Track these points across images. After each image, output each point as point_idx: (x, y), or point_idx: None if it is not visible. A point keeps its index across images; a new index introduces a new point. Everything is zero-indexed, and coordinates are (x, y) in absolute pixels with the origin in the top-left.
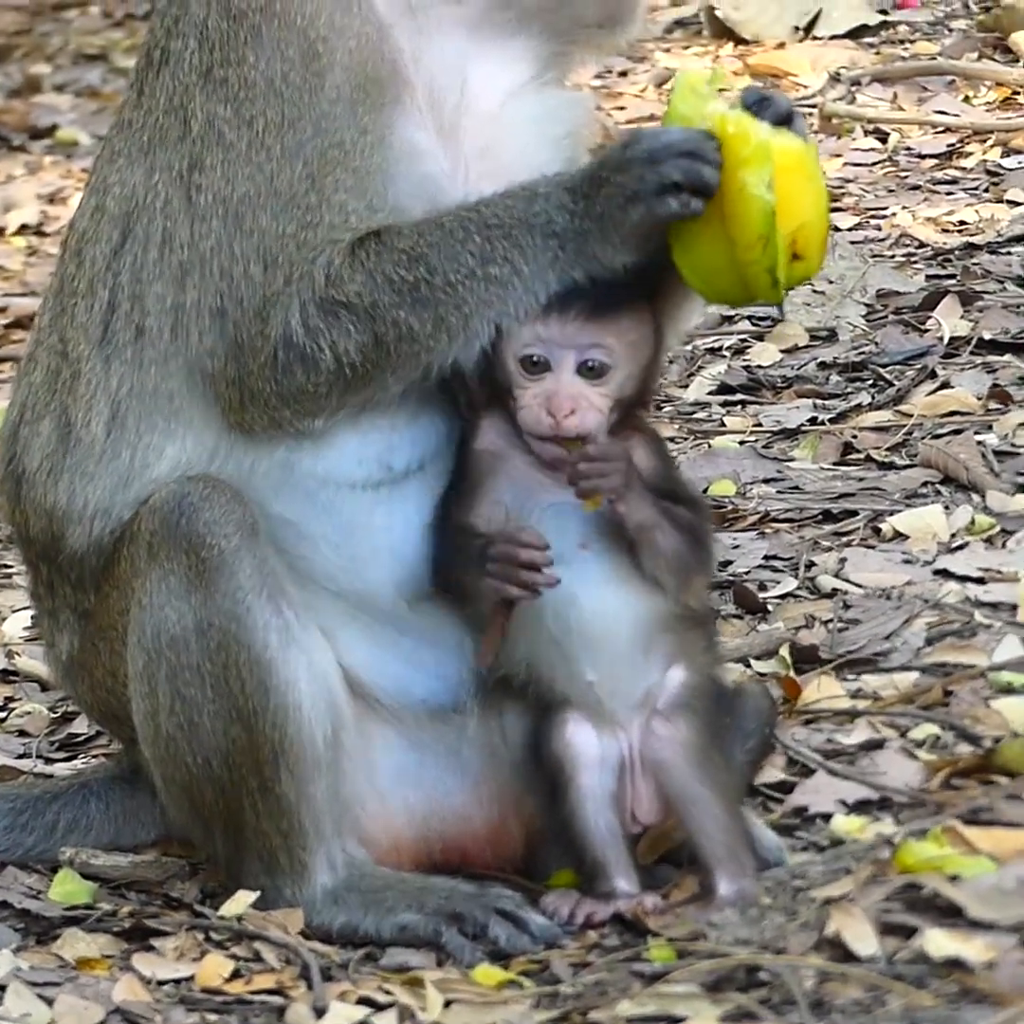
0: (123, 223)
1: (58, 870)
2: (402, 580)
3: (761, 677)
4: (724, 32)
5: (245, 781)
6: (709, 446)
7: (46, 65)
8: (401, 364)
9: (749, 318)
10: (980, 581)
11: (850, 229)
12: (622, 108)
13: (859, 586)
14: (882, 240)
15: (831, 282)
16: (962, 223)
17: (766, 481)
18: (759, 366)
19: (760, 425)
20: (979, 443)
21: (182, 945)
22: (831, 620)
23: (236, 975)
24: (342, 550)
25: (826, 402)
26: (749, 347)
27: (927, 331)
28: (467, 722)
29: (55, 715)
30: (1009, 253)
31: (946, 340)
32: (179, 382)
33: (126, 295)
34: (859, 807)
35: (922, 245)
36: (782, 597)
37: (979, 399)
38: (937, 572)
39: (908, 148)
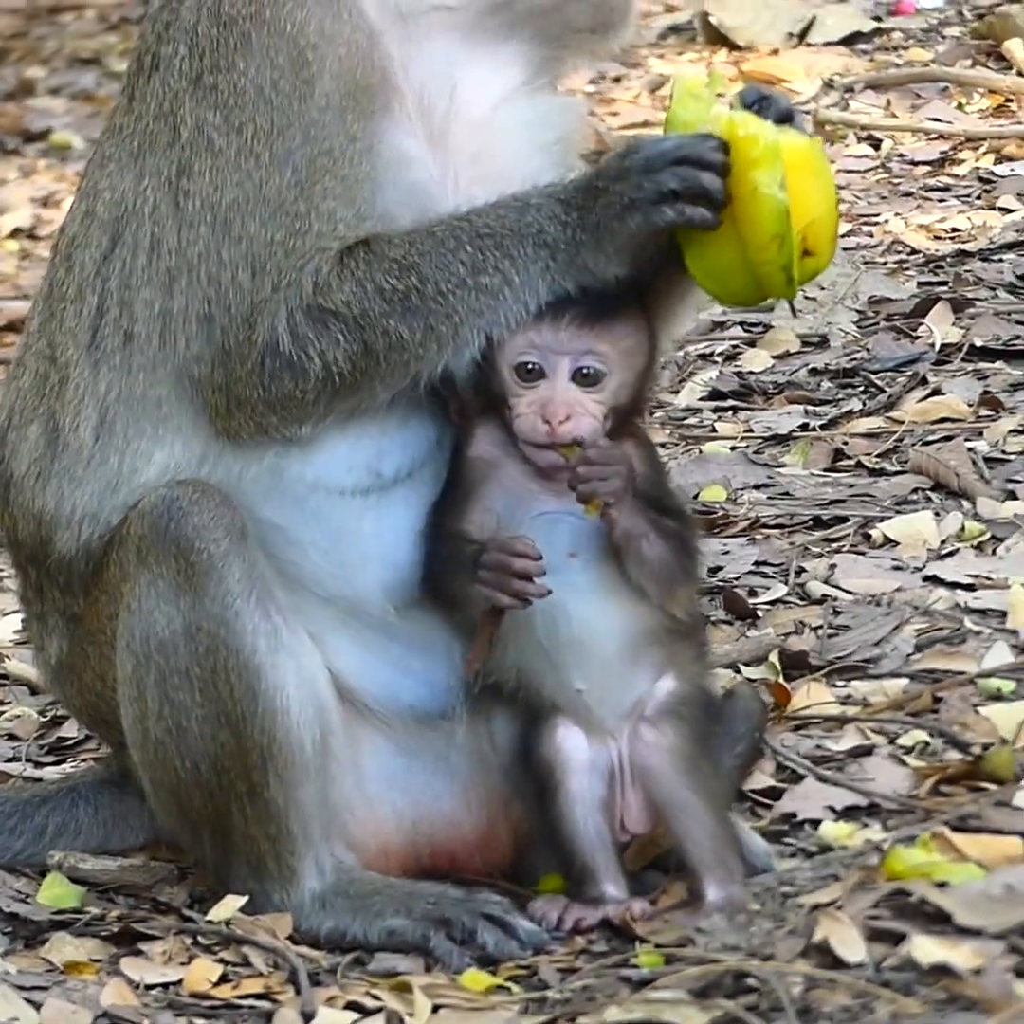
0: (113, 228)
1: (46, 874)
2: (391, 586)
3: (750, 683)
4: (718, 38)
5: (233, 785)
6: (700, 452)
7: (40, 68)
8: (390, 372)
9: (741, 324)
10: (970, 588)
11: (842, 235)
12: (616, 114)
13: (849, 592)
14: (874, 246)
15: (823, 288)
16: (954, 230)
17: (757, 487)
18: (750, 372)
19: (751, 431)
20: (970, 450)
21: (170, 949)
22: (821, 626)
23: (224, 980)
24: (331, 556)
25: (817, 408)
26: (741, 353)
27: (918, 338)
28: (456, 728)
29: (44, 719)
30: (1001, 260)
31: (937, 347)
32: (167, 388)
33: (115, 301)
34: (848, 813)
35: (914, 252)
36: (772, 603)
37: (970, 406)
38: (927, 579)
39: (901, 155)
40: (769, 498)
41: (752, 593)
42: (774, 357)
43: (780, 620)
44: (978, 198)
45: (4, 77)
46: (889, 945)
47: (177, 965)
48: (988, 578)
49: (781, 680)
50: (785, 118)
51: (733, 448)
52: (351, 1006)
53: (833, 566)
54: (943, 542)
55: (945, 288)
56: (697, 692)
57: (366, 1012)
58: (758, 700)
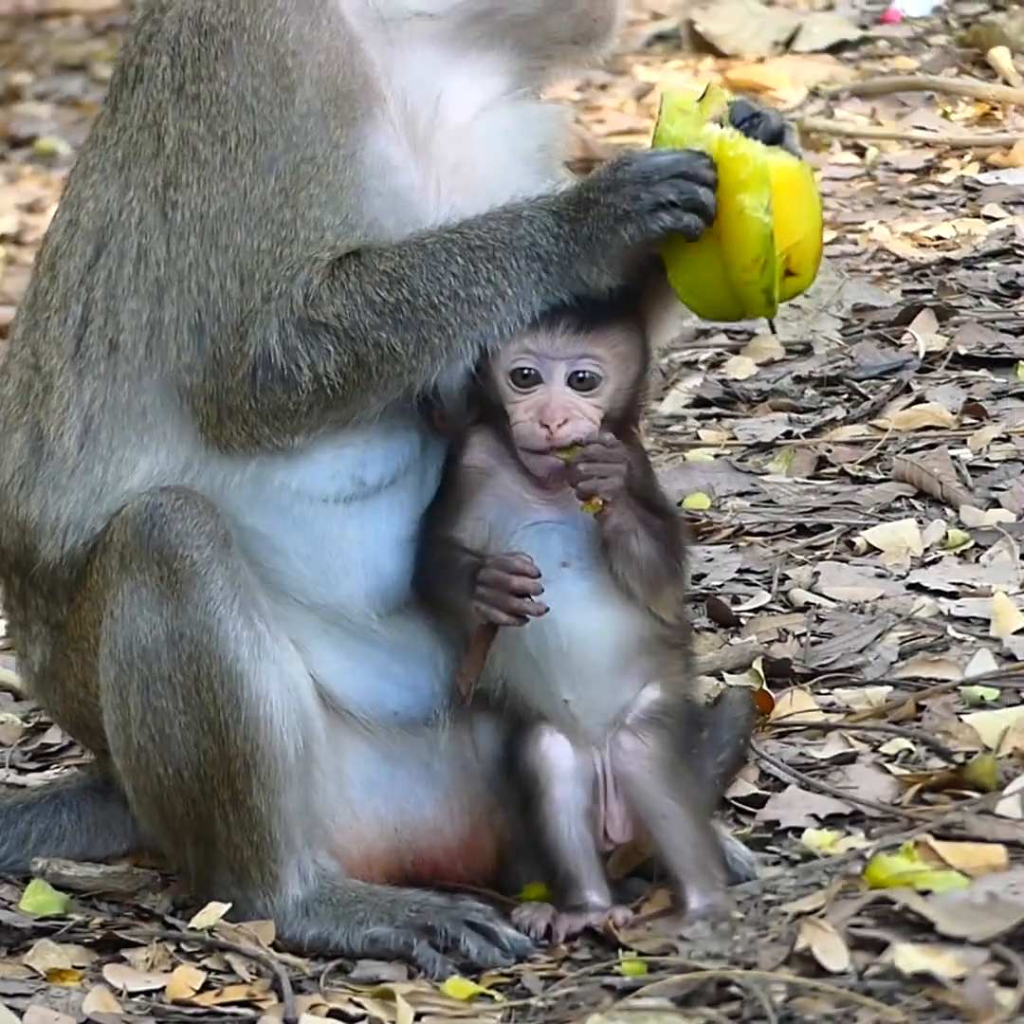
0: (97, 238)
1: (30, 881)
2: (374, 593)
3: (741, 688)
4: (704, 46)
5: (216, 793)
6: (684, 459)
7: (27, 74)
8: (383, 384)
9: (725, 332)
10: (953, 595)
11: (827, 243)
12: (602, 122)
13: (832, 600)
14: (859, 254)
15: (807, 296)
16: (939, 238)
17: (740, 494)
18: (734, 380)
19: (735, 438)
20: (953, 458)
21: (153, 957)
22: (804, 634)
23: (207, 987)
24: (314, 563)
25: (801, 416)
26: (725, 360)
27: (902, 346)
28: (439, 734)
29: (28, 725)
30: (985, 268)
31: (921, 355)
32: (153, 397)
33: (99, 310)
34: (831, 821)
35: (899, 260)
36: (755, 611)
37: (954, 414)
38: (910, 586)
39: (886, 163)
40: (753, 506)
41: (735, 601)
42: (758, 365)
43: (763, 628)
44: (963, 206)
45: None
46: (872, 953)
47: (160, 972)
48: (971, 586)
49: (764, 688)
50: (775, 138)
51: (717, 456)
52: (334, 1014)
53: (817, 574)
54: (926, 550)
55: (929, 296)
56: (680, 702)
57: (349, 1020)
58: (746, 704)
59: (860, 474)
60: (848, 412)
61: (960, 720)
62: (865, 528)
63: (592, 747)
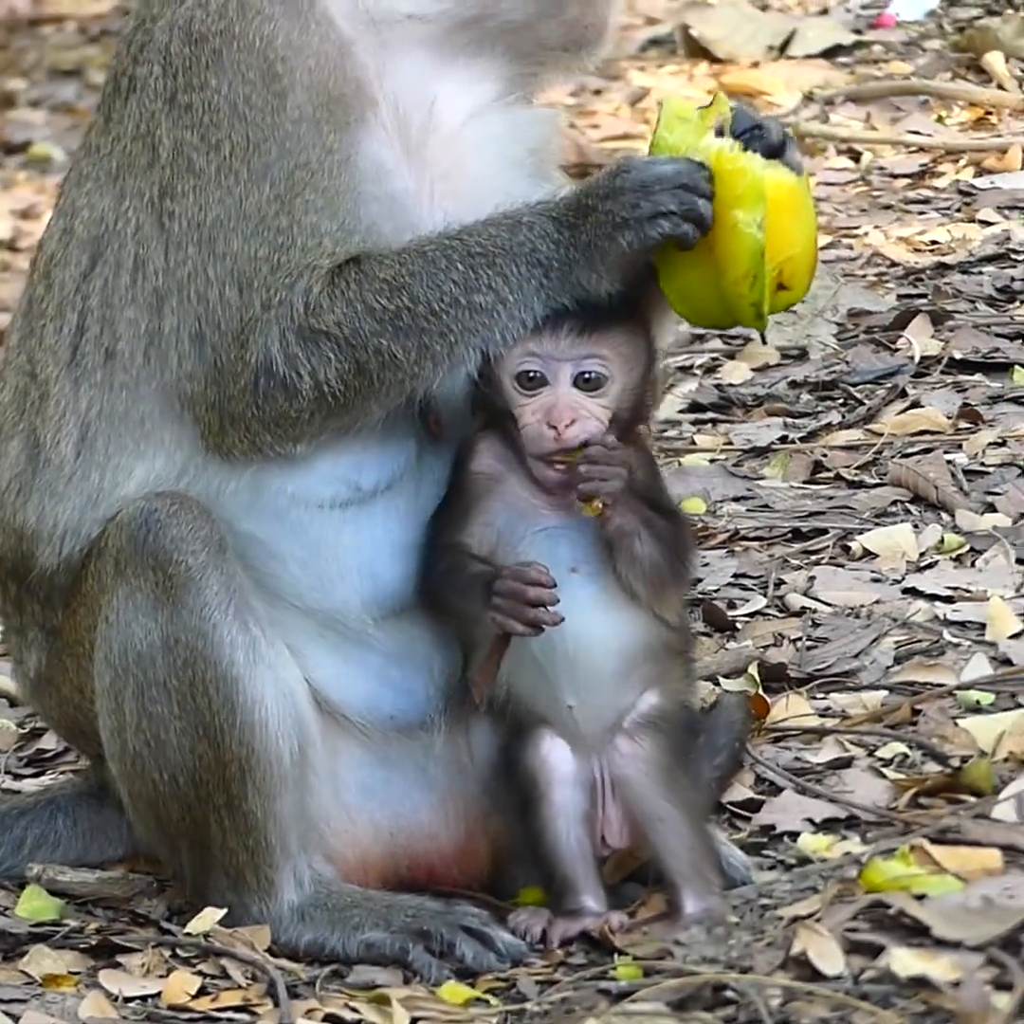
0: (92, 247)
1: (25, 886)
2: (369, 597)
3: (738, 693)
4: (698, 51)
5: (211, 798)
6: (679, 464)
7: (21, 80)
8: (385, 391)
9: (720, 337)
10: (949, 600)
11: (822, 248)
12: (596, 126)
13: (828, 604)
14: (854, 259)
15: (802, 301)
16: (934, 243)
17: (736, 499)
18: (730, 384)
19: (730, 443)
20: (949, 462)
21: (149, 962)
22: (800, 638)
23: (202, 992)
24: (310, 568)
25: (796, 421)
26: (720, 365)
27: (898, 350)
28: (434, 738)
29: (23, 731)
30: (980, 273)
31: (917, 359)
32: (151, 405)
33: (95, 318)
34: (826, 826)
35: (894, 264)
36: (751, 615)
37: (949, 418)
38: (906, 591)
39: (881, 168)
40: (748, 510)
41: (731, 605)
42: (753, 370)
43: (759, 632)
44: (958, 211)
45: None
46: (867, 957)
47: (156, 977)
48: (967, 590)
49: (760, 692)
50: (776, 151)
51: (712, 460)
52: (330, 1018)
53: (812, 578)
54: (922, 554)
55: (924, 301)
56: (678, 708)
57: None
58: (742, 709)
59: (856, 479)
60: (843, 417)
61: (956, 724)
62: (861, 533)
63: (591, 752)
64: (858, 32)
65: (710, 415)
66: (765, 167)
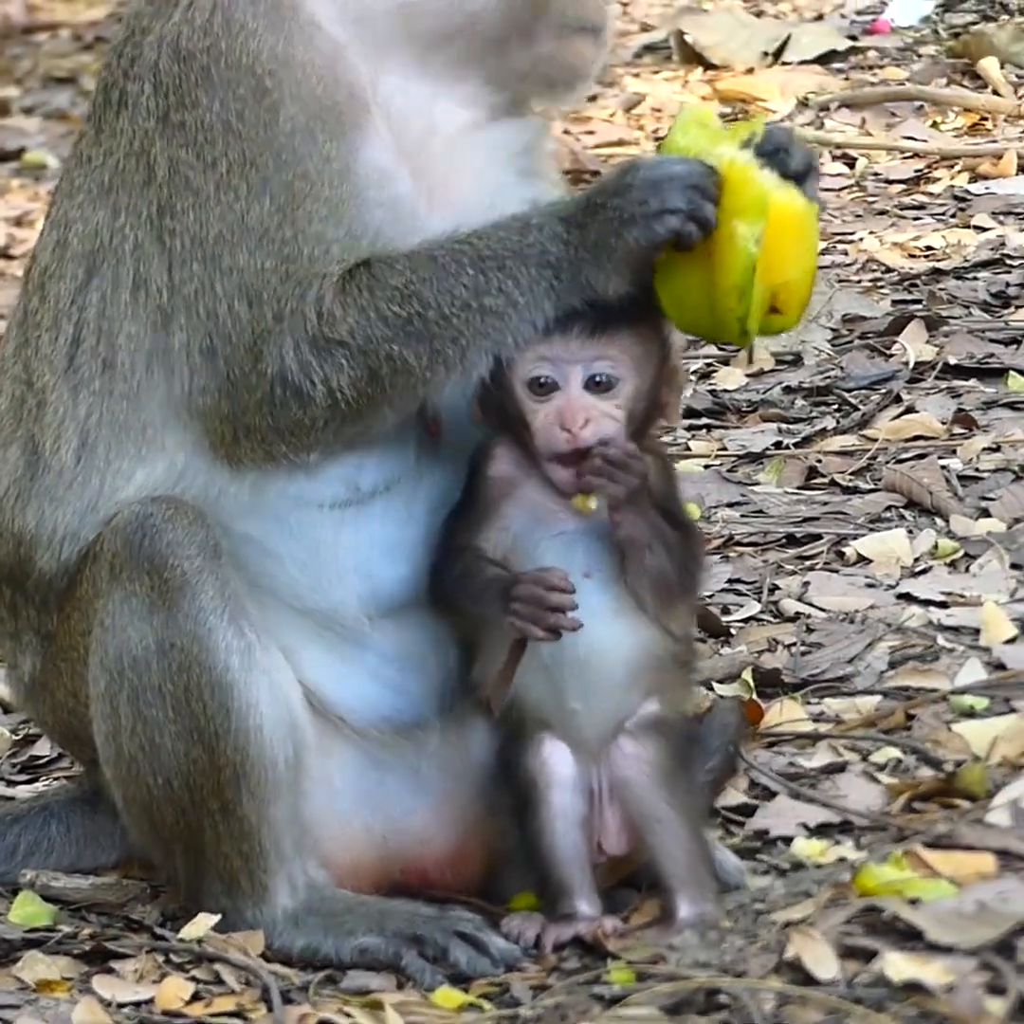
0: (87, 261)
1: (18, 892)
2: (366, 597)
3: (732, 698)
4: (693, 57)
5: (206, 802)
6: None
7: (15, 88)
8: (398, 397)
9: (715, 342)
10: (943, 605)
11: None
12: (591, 132)
13: (822, 610)
14: (849, 265)
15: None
16: (928, 248)
17: (730, 505)
18: (724, 390)
19: (725, 449)
20: (943, 468)
21: (142, 967)
22: (794, 644)
23: (196, 997)
24: (308, 568)
25: (791, 426)
26: (715, 371)
27: (892, 356)
28: (429, 739)
29: (17, 738)
30: (975, 278)
31: (911, 365)
32: (153, 414)
33: (91, 330)
34: (820, 830)
35: (888, 270)
36: (745, 621)
37: (943, 424)
38: (900, 596)
39: (876, 173)
40: (743, 516)
41: (725, 611)
42: (748, 375)
43: (753, 637)
44: (953, 216)
45: None
46: (861, 962)
47: (149, 983)
48: (961, 595)
49: (754, 697)
50: (796, 176)
51: (707, 466)
52: None
53: (806, 584)
54: (916, 560)
55: (919, 306)
56: (679, 716)
57: None
58: (736, 713)
59: (850, 484)
60: (838, 422)
61: (950, 729)
62: (855, 538)
63: (591, 758)
64: (853, 38)
65: (704, 421)
66: (777, 187)
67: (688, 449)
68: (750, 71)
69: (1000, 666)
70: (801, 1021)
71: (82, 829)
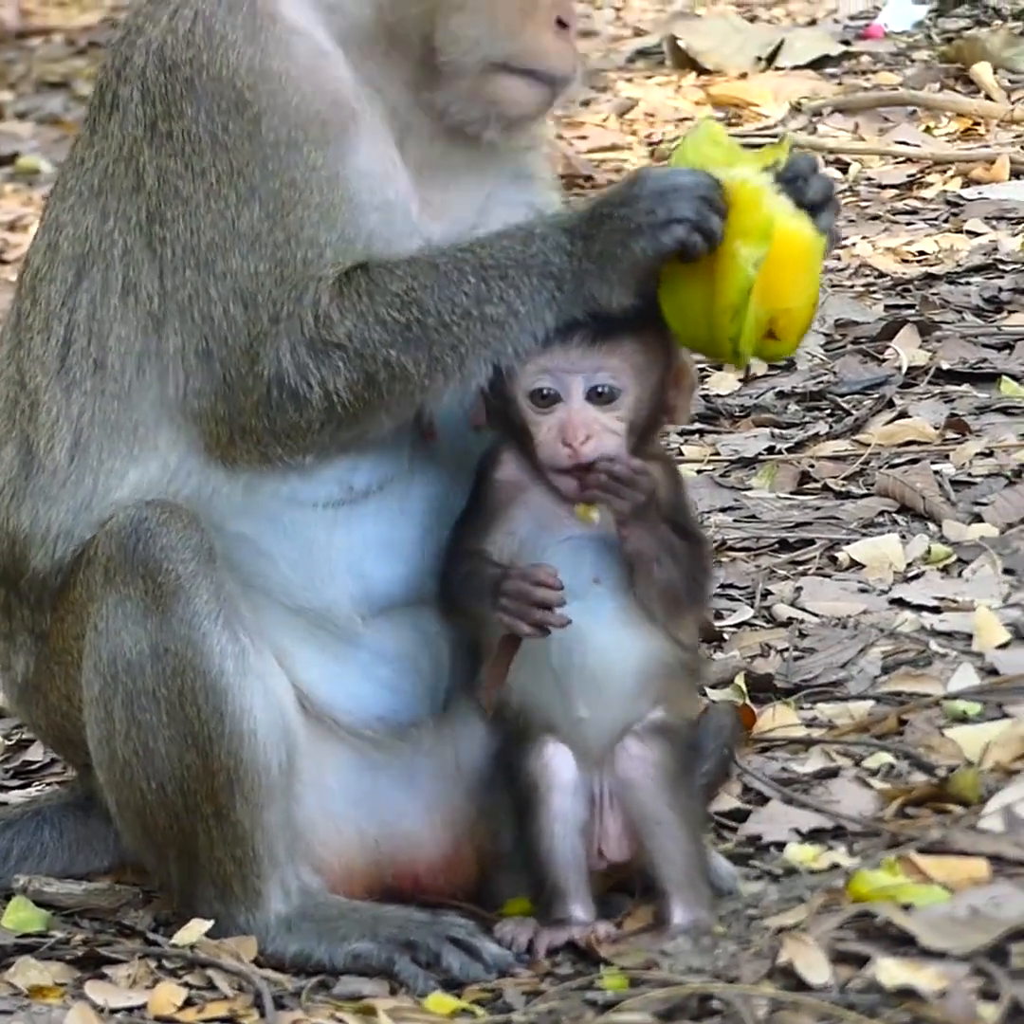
0: (77, 265)
1: (11, 898)
2: (359, 597)
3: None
4: (686, 62)
5: (199, 807)
6: None
7: (8, 92)
8: (395, 403)
9: (711, 359)
10: (936, 610)
11: None
12: (584, 137)
13: (815, 615)
14: (841, 270)
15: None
16: (921, 253)
17: (723, 510)
18: (717, 395)
19: (717, 454)
20: (936, 473)
21: (135, 973)
22: (787, 649)
23: (189, 1003)
24: (301, 567)
25: (783, 431)
26: (707, 376)
27: (885, 361)
28: (422, 740)
29: (9, 742)
30: (968, 283)
31: (904, 370)
32: (143, 414)
33: (82, 332)
34: (813, 836)
35: (881, 275)
36: (738, 626)
37: (936, 429)
38: (893, 601)
39: (868, 178)
40: (735, 521)
41: (718, 616)
42: (740, 380)
43: (746, 643)
44: (945, 221)
45: None
46: (854, 967)
47: (142, 989)
48: (954, 601)
49: (747, 702)
50: (811, 206)
51: (699, 471)
52: None
53: (799, 589)
54: (909, 565)
55: (912, 311)
56: (684, 724)
57: None
58: (731, 716)
59: (843, 489)
60: (831, 427)
61: (942, 734)
62: (848, 543)
63: (594, 764)
64: (846, 43)
65: (697, 426)
66: (789, 214)
67: (681, 454)
68: (743, 76)
69: (993, 671)
70: None
71: (75, 834)
